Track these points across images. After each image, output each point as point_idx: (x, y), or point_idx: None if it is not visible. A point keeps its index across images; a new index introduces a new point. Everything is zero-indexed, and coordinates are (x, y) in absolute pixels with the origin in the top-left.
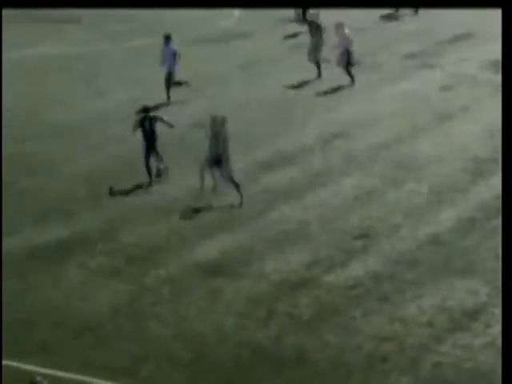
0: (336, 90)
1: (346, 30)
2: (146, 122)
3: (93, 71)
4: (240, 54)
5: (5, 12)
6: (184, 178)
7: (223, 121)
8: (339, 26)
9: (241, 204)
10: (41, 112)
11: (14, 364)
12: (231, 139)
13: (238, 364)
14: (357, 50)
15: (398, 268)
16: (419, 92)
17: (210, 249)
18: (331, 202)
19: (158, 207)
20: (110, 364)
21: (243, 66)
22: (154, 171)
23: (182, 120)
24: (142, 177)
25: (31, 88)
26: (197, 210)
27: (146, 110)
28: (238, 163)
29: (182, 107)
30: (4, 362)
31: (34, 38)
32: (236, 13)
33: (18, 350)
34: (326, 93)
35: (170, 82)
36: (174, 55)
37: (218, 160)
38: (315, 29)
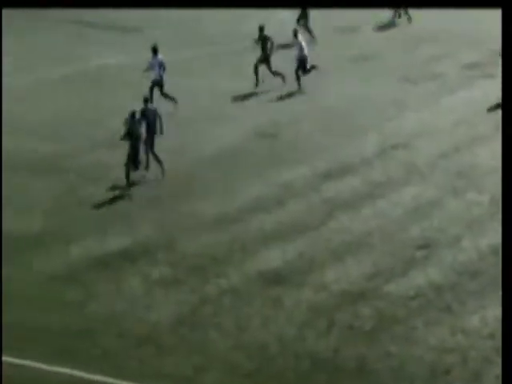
0: (396, 101)
1: (300, 37)
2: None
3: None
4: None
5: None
6: (245, 187)
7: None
8: (295, 33)
9: (163, 174)
10: (102, 121)
11: (78, 373)
12: (291, 149)
13: (299, 374)
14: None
15: (459, 278)
16: (479, 101)
17: (270, 258)
18: (391, 212)
19: (219, 216)
20: (171, 373)
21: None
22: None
23: (242, 130)
24: (200, 187)
25: (92, 97)
26: (254, 218)
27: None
28: (299, 171)
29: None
30: (70, 371)
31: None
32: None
33: (81, 359)
34: (384, 103)
35: (153, 90)
36: (161, 65)
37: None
38: (265, 42)
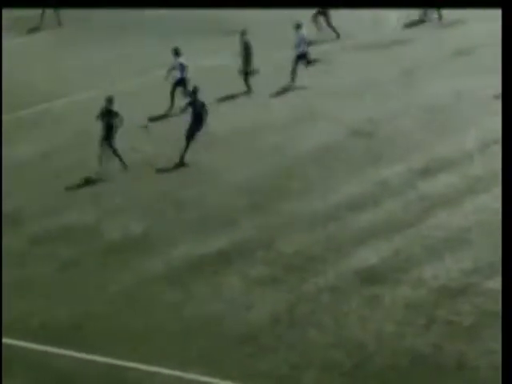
0: (497, 95)
1: (303, 31)
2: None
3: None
4: (401, 60)
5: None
6: (341, 185)
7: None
8: (298, 27)
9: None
10: None
11: (176, 373)
12: (388, 146)
13: (398, 372)
14: None
15: None
16: None
17: (367, 256)
18: (492, 207)
19: (316, 214)
20: (270, 372)
21: (404, 72)
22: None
23: (339, 128)
24: (298, 186)
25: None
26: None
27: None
28: (395, 169)
29: (339, 114)
30: (168, 372)
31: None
32: (394, 18)
33: (180, 359)
34: (485, 97)
35: (175, 89)
36: (183, 67)
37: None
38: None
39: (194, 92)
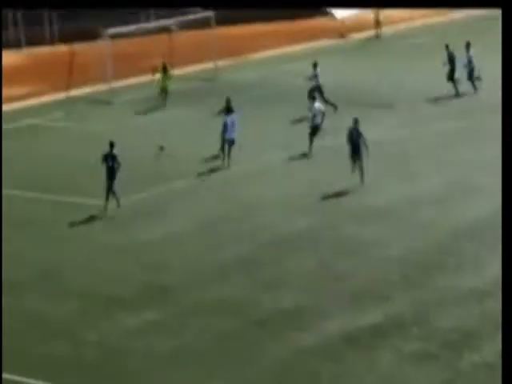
0: None
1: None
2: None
3: (405, 155)
4: None
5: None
6: (497, 260)
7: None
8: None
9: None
10: (354, 196)
11: None
12: None
13: None
14: None
15: None
16: None
17: None
18: None
19: (472, 289)
20: None
21: None
22: None
23: (494, 202)
24: (456, 264)
25: (343, 173)
26: None
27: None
28: None
29: None
30: None
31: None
32: None
33: None
34: None
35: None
36: (233, 124)
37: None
38: None
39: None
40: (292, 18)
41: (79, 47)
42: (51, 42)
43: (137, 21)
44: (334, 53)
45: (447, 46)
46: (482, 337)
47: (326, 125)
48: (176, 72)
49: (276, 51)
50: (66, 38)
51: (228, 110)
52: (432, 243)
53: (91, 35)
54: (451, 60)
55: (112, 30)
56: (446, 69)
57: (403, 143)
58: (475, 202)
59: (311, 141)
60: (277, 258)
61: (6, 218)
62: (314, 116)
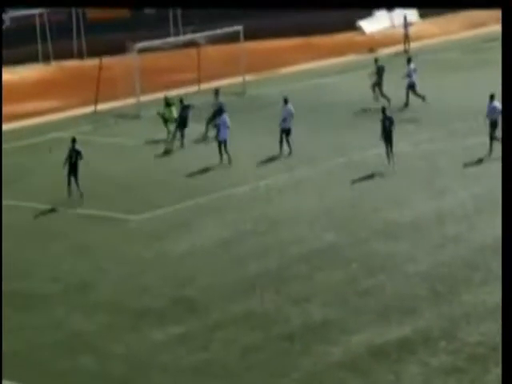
0: None
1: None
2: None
3: (433, 170)
4: None
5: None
6: None
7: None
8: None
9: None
10: (381, 211)
11: None
12: None
13: None
14: None
15: None
16: None
17: None
18: None
19: (499, 304)
20: None
21: None
22: None
23: None
24: (482, 279)
25: (370, 187)
26: None
27: None
28: None
29: None
30: None
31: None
32: None
33: None
34: None
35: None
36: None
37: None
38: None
39: None
40: (320, 32)
41: (107, 61)
42: (79, 55)
43: (165, 35)
44: (362, 67)
45: (376, 60)
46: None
47: (353, 141)
48: (204, 86)
49: (304, 66)
50: (94, 52)
51: (220, 112)
52: (459, 258)
53: (119, 49)
54: (379, 72)
55: (140, 45)
56: (473, 83)
57: (431, 158)
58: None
59: (282, 142)
60: (304, 272)
61: (33, 232)
62: (284, 119)
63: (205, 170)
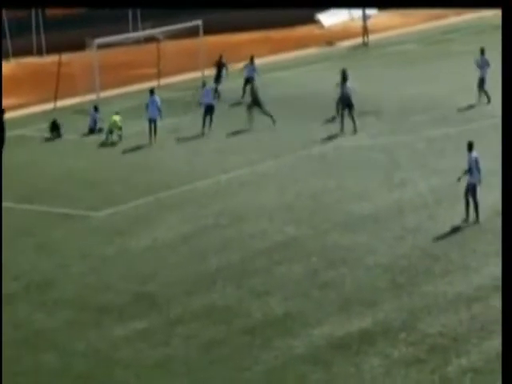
0: None
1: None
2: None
3: (392, 162)
4: None
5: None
6: (483, 266)
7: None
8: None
9: None
10: (342, 203)
11: None
12: None
13: None
14: None
15: None
16: None
17: None
18: None
19: (459, 295)
20: None
21: None
22: None
23: (483, 209)
24: (443, 270)
25: (331, 180)
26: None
27: None
28: None
29: None
30: None
31: (337, 131)
32: None
33: None
34: None
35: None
36: (157, 105)
37: None
38: None
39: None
40: (279, 26)
41: (67, 57)
42: (38, 52)
43: (124, 31)
44: (321, 60)
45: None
46: (470, 342)
47: (313, 134)
48: (164, 81)
49: (264, 59)
50: (53, 48)
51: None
52: (419, 250)
53: (78, 45)
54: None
55: (99, 40)
56: (433, 75)
57: (390, 150)
58: (462, 207)
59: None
60: (265, 265)
61: None
62: (204, 96)
63: (168, 167)
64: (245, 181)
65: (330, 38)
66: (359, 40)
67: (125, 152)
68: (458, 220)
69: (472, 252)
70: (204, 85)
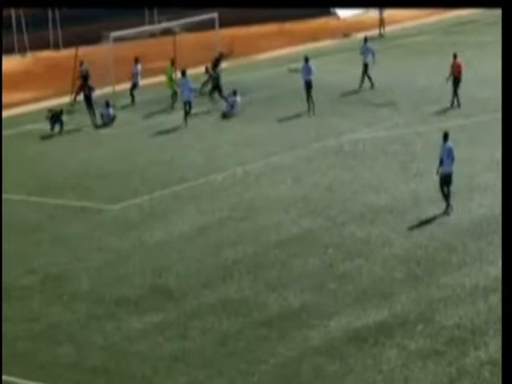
0: None
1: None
2: None
3: (408, 153)
4: None
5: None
6: (500, 258)
7: None
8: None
9: None
10: (358, 195)
11: None
12: None
13: None
14: None
15: None
16: None
17: None
18: None
19: (477, 287)
20: None
21: None
22: None
23: (496, 200)
24: (460, 261)
25: (347, 172)
26: None
27: None
28: None
29: None
30: None
31: (353, 123)
32: None
33: None
34: None
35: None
36: (190, 86)
37: None
38: None
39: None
40: (295, 18)
41: (83, 51)
42: (55, 46)
43: (140, 24)
44: (338, 52)
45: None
46: (488, 333)
47: (330, 126)
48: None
49: (280, 52)
50: (69, 42)
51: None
52: (436, 241)
53: (95, 39)
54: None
55: (115, 34)
56: (448, 66)
57: (407, 141)
58: (479, 199)
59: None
60: (281, 258)
61: (11, 223)
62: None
63: (182, 160)
64: (261, 173)
65: (346, 30)
66: (375, 32)
67: (140, 145)
68: (474, 211)
69: (489, 244)
70: (307, 61)
